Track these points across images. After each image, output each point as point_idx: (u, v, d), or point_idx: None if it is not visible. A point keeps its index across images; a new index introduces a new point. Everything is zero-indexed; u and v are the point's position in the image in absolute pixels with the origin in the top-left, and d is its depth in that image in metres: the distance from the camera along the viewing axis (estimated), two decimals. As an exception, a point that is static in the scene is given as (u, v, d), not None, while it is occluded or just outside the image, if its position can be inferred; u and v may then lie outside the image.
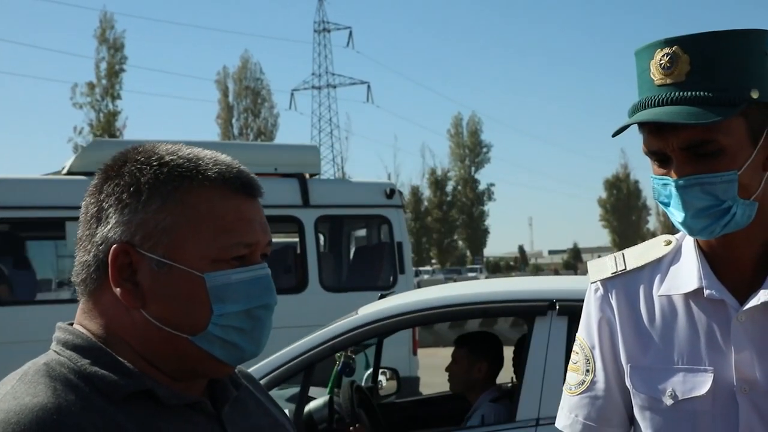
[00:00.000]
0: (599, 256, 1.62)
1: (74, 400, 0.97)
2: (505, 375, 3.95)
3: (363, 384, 4.63)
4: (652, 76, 1.35)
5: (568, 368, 1.56)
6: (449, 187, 71.67)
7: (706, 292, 1.38)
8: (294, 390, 4.25)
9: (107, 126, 40.09)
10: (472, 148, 73.17)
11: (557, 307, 3.23)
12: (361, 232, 8.67)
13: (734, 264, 1.39)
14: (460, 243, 74.58)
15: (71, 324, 1.10)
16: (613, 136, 1.42)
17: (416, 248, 68.37)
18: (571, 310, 3.18)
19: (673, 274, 1.44)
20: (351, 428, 3.39)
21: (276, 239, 7.92)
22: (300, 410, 3.36)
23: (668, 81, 1.32)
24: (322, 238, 7.91)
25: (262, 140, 56.94)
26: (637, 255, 1.51)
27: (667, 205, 1.36)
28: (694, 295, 1.40)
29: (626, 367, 1.45)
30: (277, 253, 7.48)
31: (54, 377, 0.99)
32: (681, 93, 1.31)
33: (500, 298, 3.51)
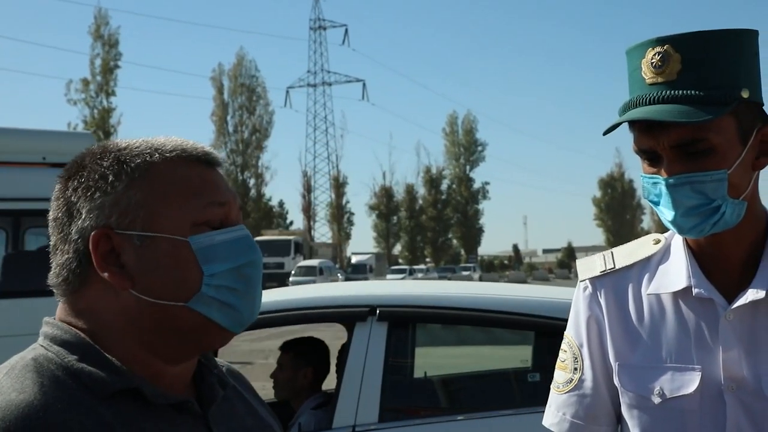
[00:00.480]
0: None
1: (61, 397, 0.96)
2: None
3: None
4: (643, 74, 1.35)
5: (556, 366, 1.56)
6: (444, 186, 71.78)
7: (695, 290, 1.38)
8: None
9: (101, 122, 40.03)
10: (467, 147, 73.26)
11: (377, 313, 3.18)
12: None
13: (723, 263, 1.39)
14: (455, 241, 74.69)
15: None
16: (605, 134, 1.42)
17: (410, 246, 68.43)
18: (391, 315, 3.17)
19: (662, 272, 1.44)
20: None
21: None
22: None
23: (659, 80, 1.33)
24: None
25: (257, 138, 56.96)
26: (626, 254, 1.51)
27: (656, 203, 1.36)
28: (683, 294, 1.40)
29: (614, 366, 1.45)
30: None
31: (41, 373, 0.98)
32: (672, 91, 1.31)
33: (320, 303, 3.42)
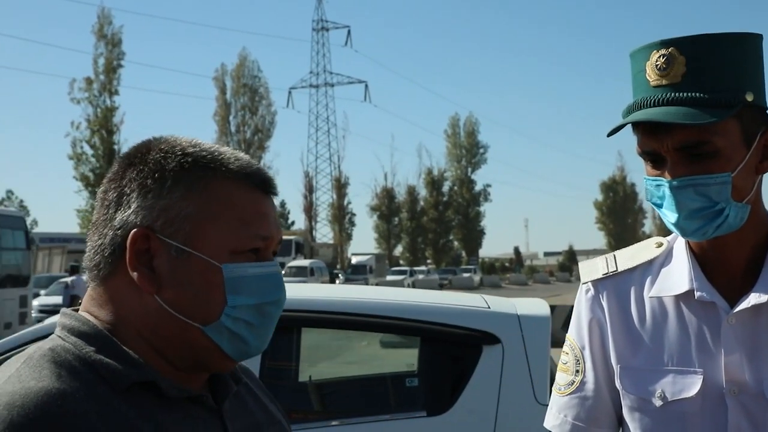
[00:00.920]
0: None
1: (78, 387, 0.96)
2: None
3: None
4: (647, 77, 1.35)
5: (558, 368, 1.56)
6: (445, 188, 71.72)
7: (697, 294, 1.38)
8: None
9: (104, 121, 40.02)
10: (468, 149, 73.24)
11: None
12: None
13: (725, 266, 1.39)
14: (456, 243, 74.61)
15: (77, 311, 1.09)
16: (608, 135, 1.42)
17: (412, 248, 68.41)
18: None
19: (664, 275, 1.44)
20: None
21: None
22: None
23: (664, 82, 1.32)
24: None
25: (259, 138, 56.95)
26: (629, 256, 1.51)
27: (659, 206, 1.36)
28: (685, 297, 1.40)
29: (616, 368, 1.45)
30: None
31: (59, 363, 0.99)
32: (676, 94, 1.31)
33: None
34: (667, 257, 1.46)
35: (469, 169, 73.27)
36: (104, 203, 1.08)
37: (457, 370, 2.99)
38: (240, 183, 1.08)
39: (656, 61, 1.33)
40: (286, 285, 1.15)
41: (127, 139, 40.70)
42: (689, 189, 1.30)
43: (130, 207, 1.05)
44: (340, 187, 65.10)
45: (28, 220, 54.75)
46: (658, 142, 1.32)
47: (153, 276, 1.04)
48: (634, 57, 1.39)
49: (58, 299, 18.47)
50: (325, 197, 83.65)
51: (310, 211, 64.45)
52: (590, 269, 1.52)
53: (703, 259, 1.41)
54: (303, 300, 3.26)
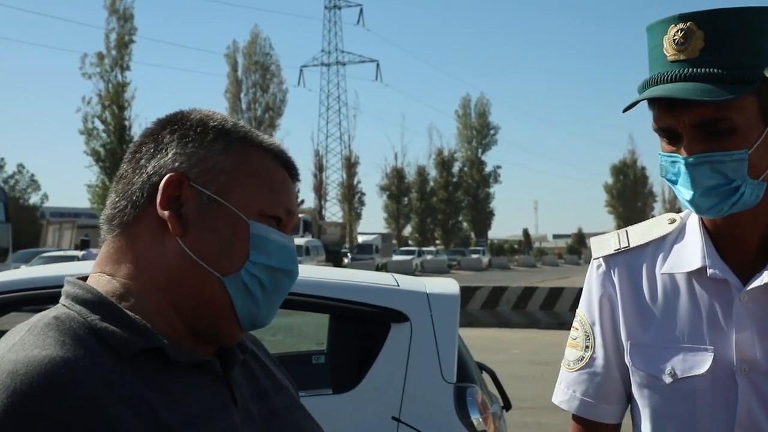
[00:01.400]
0: None
1: (83, 355, 0.95)
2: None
3: None
4: (665, 51, 1.33)
5: (567, 344, 1.55)
6: (455, 168, 71.54)
7: (710, 271, 1.37)
8: None
9: (116, 97, 40.02)
10: (479, 130, 72.98)
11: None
12: None
13: (738, 244, 1.38)
14: (465, 224, 74.57)
15: (84, 279, 1.08)
16: (624, 111, 1.40)
17: (420, 228, 68.42)
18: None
19: (676, 252, 1.43)
20: None
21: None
22: None
23: (681, 57, 1.31)
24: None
25: (270, 116, 56.89)
26: (641, 232, 1.49)
27: (674, 182, 1.34)
28: (697, 274, 1.39)
29: (626, 345, 1.44)
30: None
31: (63, 331, 0.98)
32: (694, 69, 1.29)
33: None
34: (679, 234, 1.45)
35: (480, 151, 73.05)
36: (136, 156, 1.09)
37: (365, 348, 2.96)
38: (272, 158, 1.11)
39: (674, 35, 1.31)
40: None
41: (138, 115, 40.77)
42: (705, 166, 1.29)
43: (167, 154, 1.07)
44: (350, 166, 65.03)
45: (39, 194, 54.85)
46: (674, 119, 1.31)
47: (180, 220, 1.04)
48: (651, 31, 1.37)
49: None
50: (335, 176, 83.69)
51: (319, 189, 64.48)
52: (602, 245, 1.51)
53: (716, 236, 1.40)
54: None
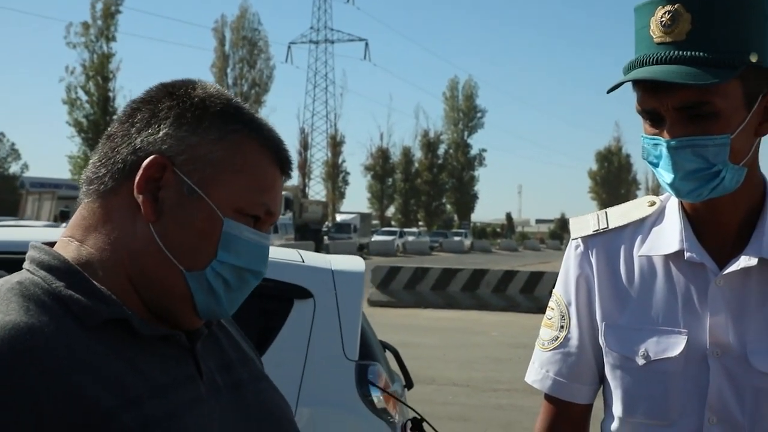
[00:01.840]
0: None
1: (47, 321, 0.94)
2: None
3: None
4: (651, 33, 1.32)
5: (542, 324, 1.55)
6: (441, 150, 71.56)
7: (687, 254, 1.37)
8: None
9: (100, 68, 39.61)
10: (466, 112, 72.97)
11: None
12: None
13: (717, 228, 1.38)
14: (449, 207, 74.70)
15: (51, 244, 1.06)
16: (609, 92, 1.39)
17: (404, 209, 68.49)
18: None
19: (655, 235, 1.43)
20: None
21: None
22: None
23: (668, 39, 1.30)
24: None
25: (256, 92, 56.55)
26: (620, 214, 1.49)
27: (656, 165, 1.34)
28: (675, 258, 1.39)
29: (601, 325, 1.45)
30: None
31: (27, 297, 0.96)
32: (680, 52, 1.28)
33: None
34: (659, 216, 1.45)
35: (466, 133, 73.06)
36: (129, 120, 1.06)
37: (267, 324, 2.93)
38: (268, 153, 1.08)
39: (661, 17, 1.30)
40: None
41: (122, 87, 40.37)
42: (687, 150, 1.29)
43: (158, 132, 1.03)
44: (336, 145, 64.90)
45: (19, 164, 54.29)
46: (658, 101, 1.30)
47: (155, 205, 1.02)
48: (638, 11, 1.36)
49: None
50: (319, 155, 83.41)
51: (304, 167, 64.30)
52: (581, 225, 1.51)
53: (695, 219, 1.40)
54: None
